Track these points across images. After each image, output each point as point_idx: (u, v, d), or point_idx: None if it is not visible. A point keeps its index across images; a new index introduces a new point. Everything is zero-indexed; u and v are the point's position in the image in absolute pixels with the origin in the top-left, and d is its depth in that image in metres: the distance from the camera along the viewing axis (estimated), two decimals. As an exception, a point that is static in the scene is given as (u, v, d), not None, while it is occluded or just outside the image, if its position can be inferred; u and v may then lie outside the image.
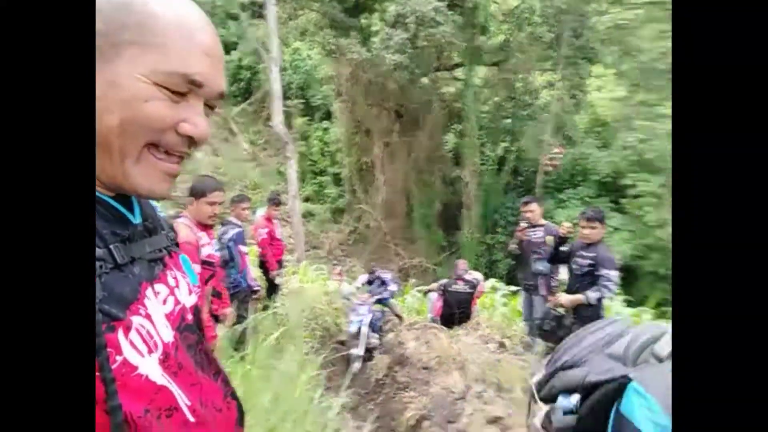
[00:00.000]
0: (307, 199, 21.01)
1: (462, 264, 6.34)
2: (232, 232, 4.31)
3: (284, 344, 4.46)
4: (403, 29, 14.14)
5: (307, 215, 19.71)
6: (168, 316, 0.69)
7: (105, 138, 0.59)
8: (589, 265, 4.23)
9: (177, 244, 0.82)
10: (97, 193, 0.63)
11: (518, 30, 15.94)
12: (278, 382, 3.25)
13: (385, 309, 6.42)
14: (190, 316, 0.75)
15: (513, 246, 5.45)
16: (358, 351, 5.43)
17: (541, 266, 5.10)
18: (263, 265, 5.67)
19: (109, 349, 0.55)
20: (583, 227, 4.30)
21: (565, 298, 4.29)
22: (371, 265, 7.32)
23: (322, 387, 3.68)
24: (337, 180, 20.63)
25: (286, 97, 21.00)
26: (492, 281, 9.60)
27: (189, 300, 0.77)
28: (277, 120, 13.04)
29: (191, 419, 0.65)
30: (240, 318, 4.00)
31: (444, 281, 6.22)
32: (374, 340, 5.80)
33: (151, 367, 0.61)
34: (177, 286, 0.74)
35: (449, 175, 18.16)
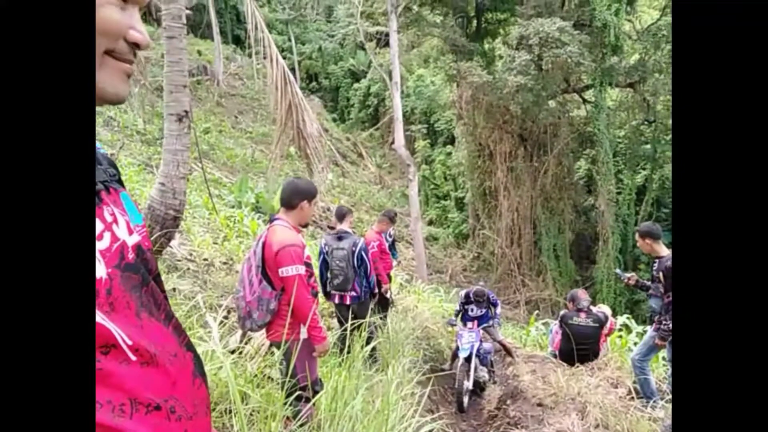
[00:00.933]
0: (430, 222, 21.12)
1: (583, 294, 5.67)
2: (361, 241, 4.53)
3: (387, 358, 4.34)
4: (526, 51, 13.76)
5: (431, 239, 19.75)
6: (103, 253, 0.64)
7: None
8: (657, 277, 3.97)
9: (119, 181, 0.77)
10: None
11: (655, 49, 14.86)
12: (372, 394, 3.12)
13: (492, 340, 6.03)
14: (131, 255, 0.70)
15: (625, 278, 4.80)
16: (468, 384, 5.14)
17: (654, 303, 4.49)
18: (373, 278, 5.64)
19: None
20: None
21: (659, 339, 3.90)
22: (479, 283, 6.92)
23: (422, 411, 3.45)
24: (460, 205, 20.44)
25: (409, 122, 21.62)
26: (624, 318, 8.57)
27: (130, 239, 0.71)
28: (400, 143, 13.31)
29: (132, 358, 0.62)
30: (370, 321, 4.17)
31: (563, 312, 5.64)
32: (483, 373, 5.49)
33: None
34: (115, 222, 0.69)
35: (581, 203, 17.03)
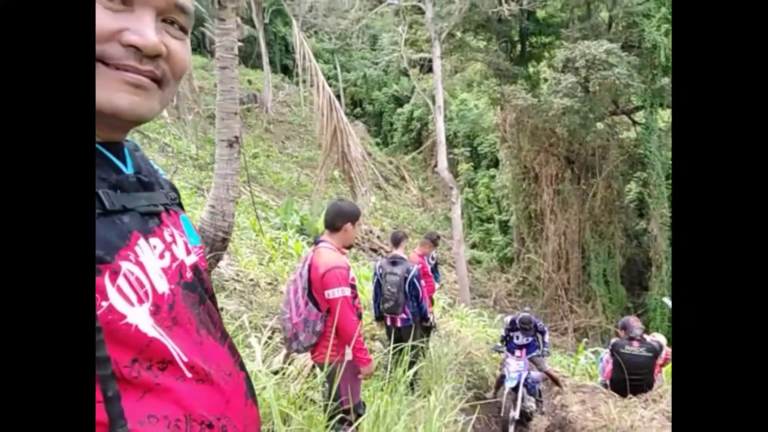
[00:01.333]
0: (473, 246, 20.84)
1: (634, 321, 5.39)
2: (414, 268, 4.61)
3: (430, 384, 4.27)
4: (573, 73, 13.56)
5: (474, 262, 19.46)
6: (165, 270, 0.65)
7: None
8: None
9: (180, 204, 0.78)
10: None
11: (707, 68, 14.16)
12: (414, 420, 3.07)
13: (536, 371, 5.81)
14: (189, 274, 0.71)
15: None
16: (515, 413, 4.97)
17: None
18: (415, 302, 5.60)
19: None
20: None
21: None
22: (523, 310, 6.72)
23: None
24: (504, 228, 20.10)
25: (452, 146, 21.61)
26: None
27: (188, 259, 0.73)
28: (443, 165, 13.31)
29: (188, 375, 0.62)
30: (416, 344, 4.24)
31: (614, 340, 5.38)
32: (530, 403, 5.29)
33: (140, 318, 0.58)
34: (174, 243, 0.71)
35: (632, 227, 16.39)
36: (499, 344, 5.82)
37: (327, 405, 2.57)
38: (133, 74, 0.60)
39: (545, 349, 5.64)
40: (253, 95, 23.19)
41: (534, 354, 5.63)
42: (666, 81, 14.55)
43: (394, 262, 4.64)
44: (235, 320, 4.33)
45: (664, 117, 16.43)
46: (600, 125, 15.51)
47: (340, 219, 2.78)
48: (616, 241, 16.03)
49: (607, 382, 5.24)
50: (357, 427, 2.62)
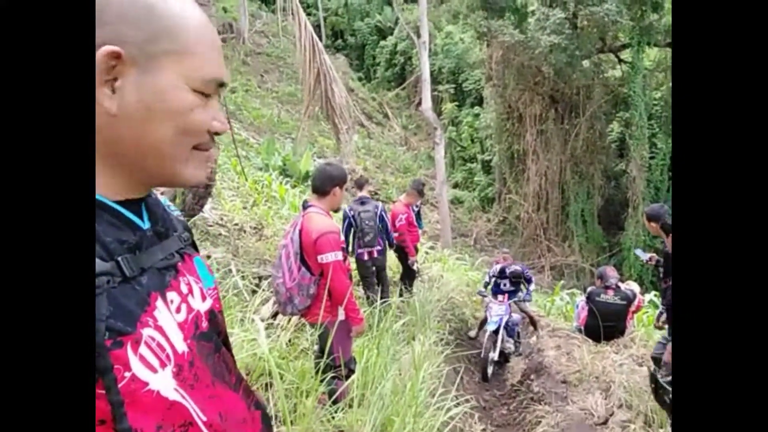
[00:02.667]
0: (456, 186, 20.96)
1: (611, 271, 5.60)
2: (380, 205, 5.15)
3: (414, 332, 4.43)
4: (561, 8, 13.14)
5: (456, 202, 19.66)
6: (181, 325, 0.66)
7: (156, 146, 0.62)
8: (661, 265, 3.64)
9: (193, 244, 0.78)
10: (102, 199, 0.61)
11: (697, 5, 13.83)
12: (401, 371, 3.21)
13: (518, 312, 6.05)
14: (204, 324, 0.72)
15: (646, 258, 4.60)
16: (494, 355, 5.22)
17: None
18: (400, 250, 5.69)
19: (116, 366, 0.54)
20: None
21: (666, 355, 3.60)
22: (504, 253, 6.91)
23: (447, 381, 3.54)
24: (487, 168, 20.16)
25: (437, 82, 21.14)
26: (651, 295, 8.48)
27: (203, 306, 0.73)
28: (427, 105, 13.08)
29: None
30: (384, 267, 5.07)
31: (590, 288, 5.62)
32: (509, 344, 5.56)
33: (163, 382, 0.59)
34: (190, 293, 0.71)
35: (612, 168, 16.58)
36: (483, 289, 6.01)
37: (318, 362, 2.66)
38: (210, 153, 0.68)
39: (528, 295, 5.85)
40: (228, 24, 22.01)
41: (517, 299, 5.84)
42: (654, 18, 14.21)
43: (363, 202, 5.07)
44: (222, 268, 4.36)
45: (651, 56, 16.19)
46: (586, 63, 15.24)
47: (329, 183, 2.79)
48: (595, 182, 16.26)
49: (582, 328, 5.50)
50: (349, 382, 2.73)
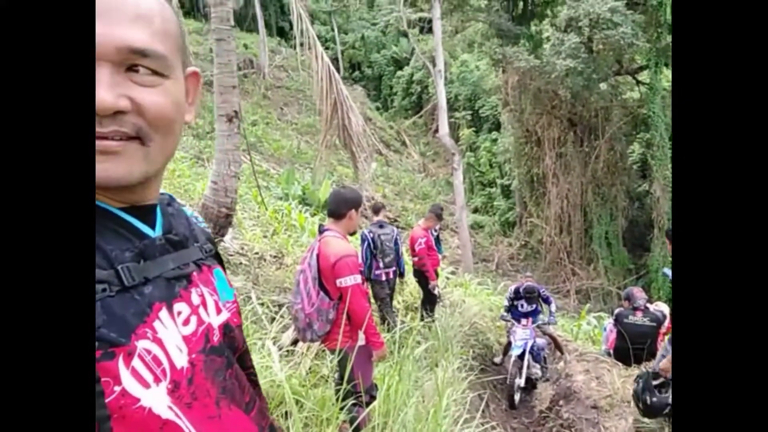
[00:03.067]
0: (475, 210, 20.86)
1: (638, 292, 5.45)
2: (395, 231, 5.30)
3: (437, 358, 4.34)
4: (576, 33, 13.20)
5: (476, 227, 19.53)
6: (188, 339, 0.62)
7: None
8: None
9: (216, 256, 0.75)
10: (104, 206, 0.59)
11: (713, 26, 13.82)
12: (424, 398, 3.13)
13: (542, 337, 5.90)
14: (216, 337, 0.67)
15: None
16: (520, 381, 5.08)
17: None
18: (420, 275, 5.64)
19: (105, 379, 0.50)
20: None
21: (663, 362, 3.41)
22: (527, 277, 6.78)
23: (471, 408, 3.43)
24: (506, 192, 20.05)
25: (453, 109, 21.31)
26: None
27: (217, 319, 0.69)
28: (444, 131, 13.16)
29: None
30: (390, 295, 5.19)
31: (618, 310, 5.46)
32: (536, 370, 5.42)
33: (155, 399, 0.55)
34: (202, 305, 0.67)
35: (635, 189, 16.32)
36: (505, 314, 5.90)
37: (338, 389, 2.61)
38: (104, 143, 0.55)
39: (552, 318, 5.71)
40: (249, 60, 22.72)
41: (540, 322, 5.70)
42: (670, 39, 14.18)
43: (381, 225, 5.24)
44: (241, 295, 4.37)
45: (669, 76, 16.10)
46: (603, 86, 15.22)
47: (344, 206, 2.79)
48: (618, 203, 16.00)
49: (611, 351, 5.32)
50: (370, 409, 2.67)
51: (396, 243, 5.16)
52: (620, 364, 5.05)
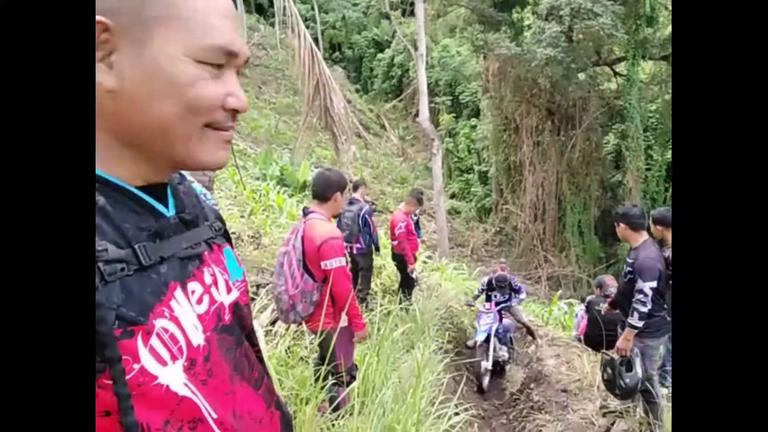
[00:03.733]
0: (453, 196, 20.99)
1: (610, 280, 5.59)
2: (366, 206, 5.33)
3: (414, 340, 4.41)
4: (557, 22, 13.29)
5: (453, 212, 19.67)
6: (202, 317, 0.63)
7: (162, 124, 0.57)
8: (629, 272, 3.53)
9: (225, 234, 0.75)
10: (122, 184, 0.59)
11: (692, 20, 14.06)
12: (401, 379, 3.19)
13: (510, 318, 6.03)
14: (228, 316, 0.68)
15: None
16: (487, 364, 5.18)
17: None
18: (399, 258, 5.68)
19: (125, 357, 0.51)
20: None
21: (619, 341, 3.56)
22: (500, 263, 6.91)
23: (447, 390, 3.51)
24: (484, 178, 20.22)
25: (434, 94, 21.27)
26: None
27: (227, 298, 0.70)
28: (424, 116, 13.15)
29: None
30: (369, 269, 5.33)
31: (590, 297, 5.59)
32: (503, 352, 5.49)
33: (172, 377, 0.56)
34: (214, 284, 0.67)
35: (608, 179, 16.66)
36: (472, 300, 6.00)
37: (318, 369, 2.64)
38: (229, 133, 0.62)
39: (515, 300, 5.82)
40: (227, 36, 22.13)
41: (505, 304, 5.79)
42: (649, 32, 14.39)
43: (351, 202, 5.31)
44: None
45: (646, 69, 16.37)
46: (582, 76, 15.39)
47: (330, 189, 2.79)
48: (592, 193, 16.33)
49: (581, 337, 5.47)
50: (350, 389, 2.71)
51: (360, 219, 5.20)
52: (590, 349, 5.21)
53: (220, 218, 0.75)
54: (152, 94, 0.55)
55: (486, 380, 5.18)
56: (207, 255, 0.68)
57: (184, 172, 0.74)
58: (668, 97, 16.17)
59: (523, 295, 5.90)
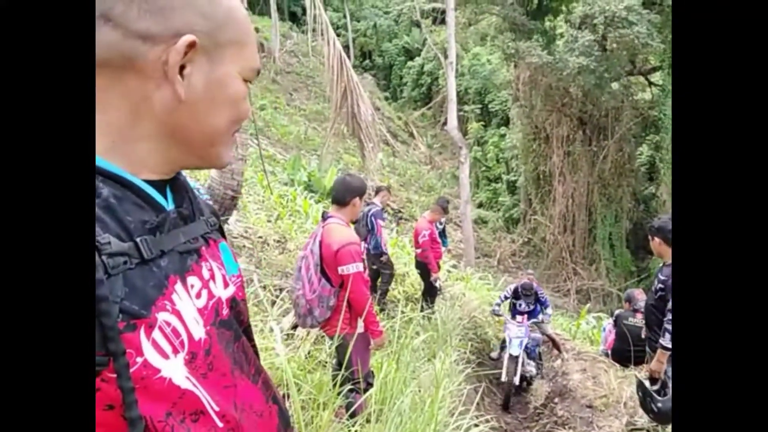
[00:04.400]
0: (480, 205, 20.81)
1: (639, 294, 5.43)
2: (375, 209, 5.37)
3: (435, 349, 4.37)
4: (590, 31, 13.09)
5: (480, 222, 19.49)
6: (201, 311, 0.63)
7: (212, 131, 0.64)
8: (661, 289, 3.33)
9: (220, 230, 0.76)
10: (129, 177, 0.60)
11: (728, 29, 13.67)
12: (421, 388, 3.15)
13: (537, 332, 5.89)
14: (225, 311, 0.70)
15: None
16: (515, 380, 5.06)
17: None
18: (423, 267, 5.65)
19: (128, 350, 0.52)
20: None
21: (652, 363, 3.35)
22: (528, 275, 6.77)
23: (467, 401, 3.46)
24: (512, 188, 19.98)
25: (463, 102, 21.21)
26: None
27: (225, 293, 0.71)
28: (452, 124, 13.10)
29: (219, 425, 0.62)
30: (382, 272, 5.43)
31: (618, 312, 5.43)
32: (530, 368, 5.39)
33: (175, 370, 0.57)
34: (212, 279, 0.68)
35: (641, 191, 16.25)
36: (497, 307, 5.88)
37: (335, 374, 2.63)
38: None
39: (546, 316, 5.71)
40: (260, 44, 22.61)
41: (537, 320, 5.69)
42: (687, 41, 14.04)
43: (367, 204, 5.35)
44: (244, 278, 4.39)
45: (683, 79, 15.96)
46: (615, 85, 15.09)
47: (349, 194, 2.80)
48: (623, 205, 15.95)
49: (608, 352, 5.32)
50: (367, 396, 2.69)
51: (369, 221, 5.27)
52: (617, 365, 5.06)
53: (214, 213, 0.77)
54: (214, 106, 0.62)
55: (511, 396, 5.08)
56: (204, 250, 0.69)
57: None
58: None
59: (549, 310, 5.78)
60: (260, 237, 6.25)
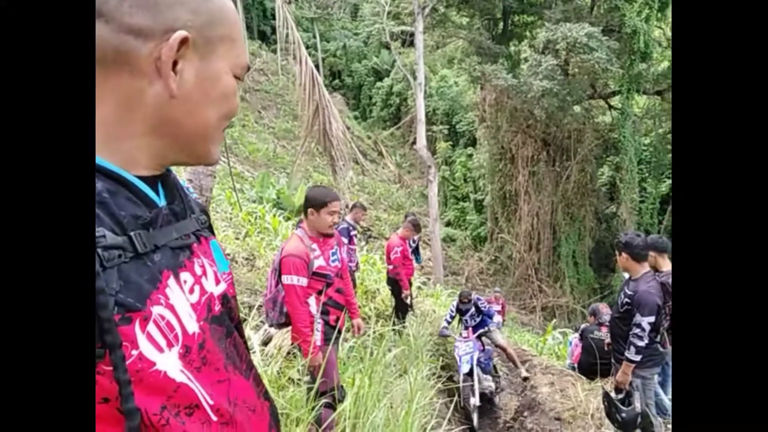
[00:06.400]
0: (448, 224, 21.05)
1: (604, 308, 5.51)
2: (341, 225, 5.20)
3: (406, 364, 4.37)
4: (553, 55, 13.62)
5: (448, 240, 19.69)
6: (194, 307, 0.64)
7: (203, 127, 0.64)
8: (627, 303, 3.38)
9: (210, 228, 0.76)
10: (122, 173, 0.59)
11: (685, 57, 14.48)
12: (393, 403, 3.15)
13: (490, 345, 5.66)
14: (217, 307, 0.70)
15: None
16: (475, 400, 4.77)
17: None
18: (394, 283, 5.66)
19: (124, 343, 0.51)
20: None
21: (618, 375, 3.45)
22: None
23: (438, 416, 3.46)
24: (479, 207, 20.33)
25: (431, 123, 21.58)
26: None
27: (216, 289, 0.71)
28: (421, 144, 13.30)
29: (214, 418, 0.62)
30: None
31: (583, 326, 5.47)
32: (488, 383, 5.09)
33: (169, 363, 0.57)
34: (204, 275, 0.69)
35: (603, 210, 16.81)
36: (446, 328, 5.65)
37: (310, 387, 2.61)
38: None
39: (492, 325, 5.54)
40: (229, 62, 22.50)
41: (483, 330, 5.49)
42: (643, 67, 14.76)
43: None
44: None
45: (640, 103, 16.72)
46: (577, 108, 15.70)
47: (305, 205, 2.87)
48: (586, 224, 16.44)
49: (575, 365, 5.43)
50: (337, 411, 2.67)
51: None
52: (584, 377, 5.17)
53: (204, 211, 0.77)
54: (205, 102, 0.63)
55: (475, 417, 4.78)
56: (196, 247, 0.69)
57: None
58: (662, 130, 16.46)
59: (497, 318, 5.67)
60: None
